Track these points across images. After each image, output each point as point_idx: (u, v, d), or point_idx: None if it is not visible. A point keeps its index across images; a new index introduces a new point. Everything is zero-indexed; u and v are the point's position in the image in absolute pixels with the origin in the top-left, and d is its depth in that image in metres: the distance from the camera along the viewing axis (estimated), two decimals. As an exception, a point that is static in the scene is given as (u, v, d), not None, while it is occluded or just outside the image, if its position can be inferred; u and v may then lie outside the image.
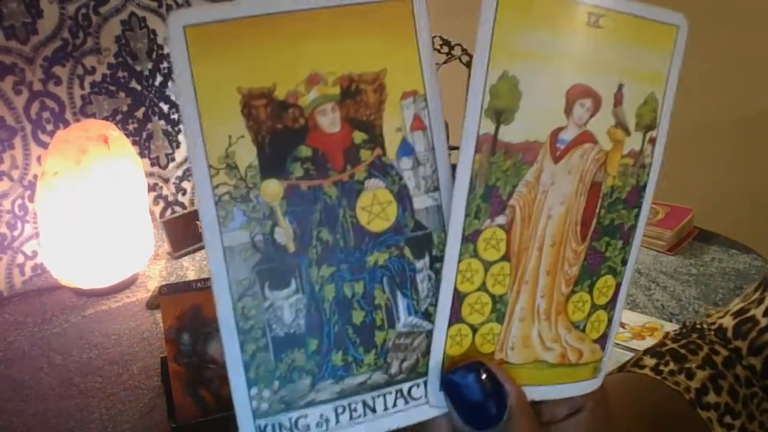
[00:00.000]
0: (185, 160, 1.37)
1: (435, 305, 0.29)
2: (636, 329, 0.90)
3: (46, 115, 1.11)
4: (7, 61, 1.04)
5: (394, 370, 0.29)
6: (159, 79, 1.29)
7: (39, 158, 1.11)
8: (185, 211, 1.28)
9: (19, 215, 1.10)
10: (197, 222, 1.14)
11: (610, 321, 0.33)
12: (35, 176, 1.10)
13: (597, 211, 0.31)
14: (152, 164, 1.32)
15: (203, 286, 0.75)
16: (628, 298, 0.98)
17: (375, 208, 0.28)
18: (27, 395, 0.82)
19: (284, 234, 0.27)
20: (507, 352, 0.31)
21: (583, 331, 0.32)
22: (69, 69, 1.13)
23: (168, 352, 0.72)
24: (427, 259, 0.29)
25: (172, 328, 0.73)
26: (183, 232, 1.19)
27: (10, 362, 0.89)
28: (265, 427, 0.27)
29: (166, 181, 1.35)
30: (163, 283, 1.02)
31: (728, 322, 0.48)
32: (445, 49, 1.27)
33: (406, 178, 0.28)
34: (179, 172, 1.38)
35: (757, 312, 0.47)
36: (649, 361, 0.46)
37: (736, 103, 1.93)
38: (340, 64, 0.26)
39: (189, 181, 1.39)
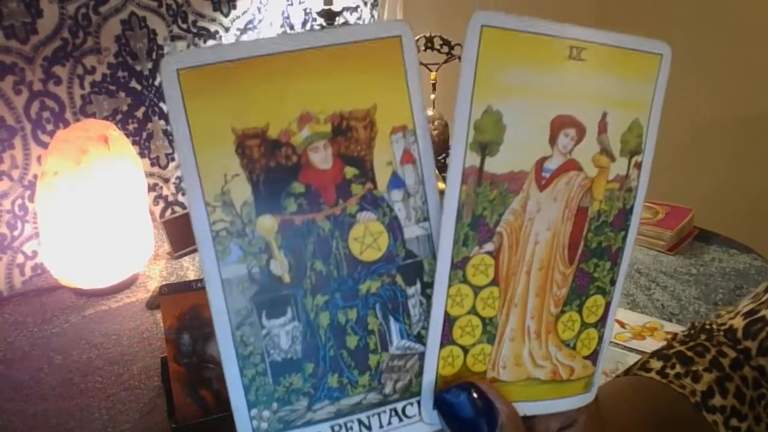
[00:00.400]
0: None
1: (427, 329, 0.30)
2: (636, 329, 0.90)
3: (46, 115, 1.11)
4: (7, 61, 1.04)
5: (388, 390, 0.30)
6: (159, 79, 1.29)
7: (39, 158, 1.11)
8: (185, 211, 1.28)
9: (19, 215, 1.10)
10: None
11: (600, 338, 0.34)
12: (35, 176, 1.10)
13: (584, 234, 0.31)
14: (152, 164, 1.32)
15: (203, 287, 0.74)
16: (627, 298, 0.98)
17: (367, 239, 0.28)
18: (27, 395, 0.82)
19: (280, 266, 0.28)
20: (499, 370, 0.31)
21: (574, 348, 0.33)
22: (69, 69, 1.13)
23: (168, 352, 0.72)
24: (418, 285, 0.29)
25: (172, 328, 0.73)
26: (183, 232, 1.19)
27: (10, 362, 0.89)
28: None
29: (166, 181, 1.35)
30: (163, 283, 1.02)
31: (738, 322, 0.48)
32: (445, 49, 1.27)
33: (396, 209, 0.29)
34: (179, 173, 1.38)
35: None
36: (656, 364, 0.46)
37: (735, 104, 1.93)
38: (330, 102, 0.27)
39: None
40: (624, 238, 0.33)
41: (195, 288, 0.75)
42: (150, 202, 1.30)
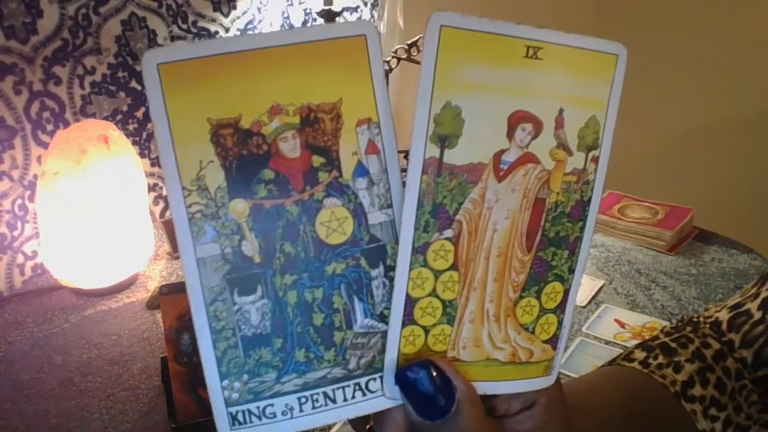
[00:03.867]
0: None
1: (389, 309, 0.32)
2: (636, 329, 0.90)
3: (46, 115, 1.11)
4: (7, 61, 1.05)
5: (352, 365, 0.32)
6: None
7: (39, 158, 1.11)
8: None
9: (19, 215, 1.10)
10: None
11: (560, 323, 0.35)
12: (35, 176, 1.10)
13: (542, 224, 0.33)
14: (152, 164, 1.32)
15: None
16: (627, 298, 0.99)
17: (333, 223, 0.30)
18: (27, 395, 0.82)
19: (251, 247, 0.30)
20: (459, 350, 0.33)
21: (533, 332, 0.34)
22: (69, 69, 1.14)
23: (168, 352, 0.72)
24: (381, 268, 0.31)
25: (172, 328, 0.73)
26: (183, 232, 1.18)
27: (10, 362, 0.89)
28: (236, 414, 0.31)
29: (166, 181, 1.35)
30: (163, 283, 1.02)
31: (724, 315, 0.50)
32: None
33: (361, 196, 0.31)
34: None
35: (752, 306, 0.48)
36: (639, 355, 0.48)
37: (735, 104, 1.93)
38: (299, 95, 0.29)
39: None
40: (582, 229, 0.34)
41: (195, 288, 0.75)
42: (150, 202, 1.31)
